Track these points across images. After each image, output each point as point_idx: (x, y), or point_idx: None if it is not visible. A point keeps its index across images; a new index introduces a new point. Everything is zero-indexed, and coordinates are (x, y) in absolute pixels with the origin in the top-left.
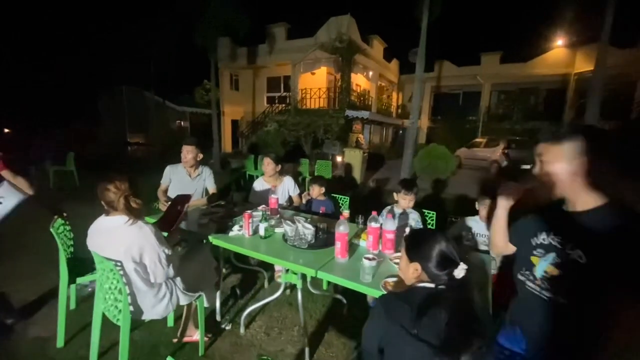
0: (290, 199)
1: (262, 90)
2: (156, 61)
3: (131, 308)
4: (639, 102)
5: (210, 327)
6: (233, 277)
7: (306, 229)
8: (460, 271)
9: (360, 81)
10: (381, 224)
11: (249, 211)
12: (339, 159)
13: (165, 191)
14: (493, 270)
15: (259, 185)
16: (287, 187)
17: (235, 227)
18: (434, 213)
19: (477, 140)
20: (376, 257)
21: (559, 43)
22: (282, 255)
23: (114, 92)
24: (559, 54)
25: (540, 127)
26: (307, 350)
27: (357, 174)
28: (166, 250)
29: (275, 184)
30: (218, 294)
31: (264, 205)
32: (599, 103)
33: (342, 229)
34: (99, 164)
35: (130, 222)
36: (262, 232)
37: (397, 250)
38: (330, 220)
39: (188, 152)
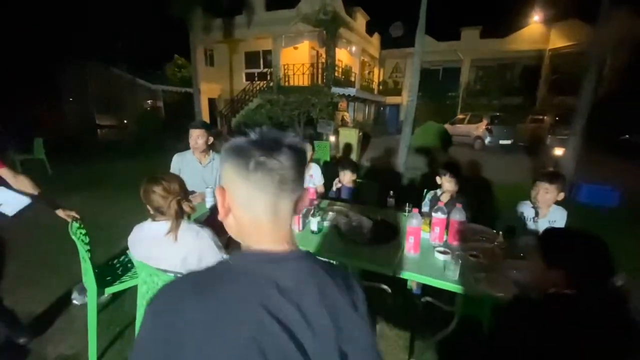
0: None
1: (240, 66)
2: (124, 35)
3: None
4: (610, 79)
5: None
6: None
7: (364, 221)
8: (617, 280)
9: (343, 56)
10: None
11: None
12: (332, 139)
13: None
14: None
15: None
16: (314, 175)
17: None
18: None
19: (460, 116)
20: (447, 250)
21: (535, 19)
22: (342, 252)
23: (78, 70)
24: (535, 30)
25: (516, 103)
26: None
27: (353, 154)
28: (224, 255)
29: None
30: None
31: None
32: (594, 80)
33: (416, 223)
34: (69, 150)
35: (184, 228)
36: (314, 227)
37: (462, 241)
38: (375, 209)
39: (199, 137)
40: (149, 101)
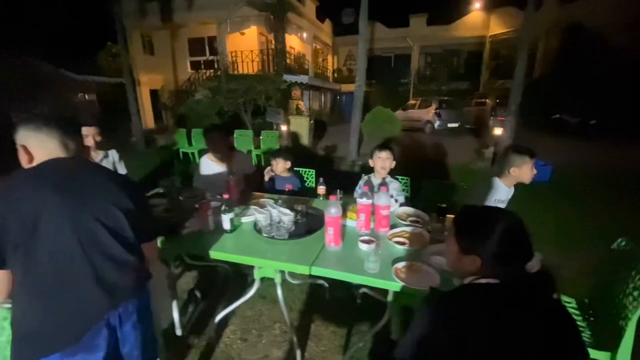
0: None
1: (183, 54)
2: (41, 18)
3: None
4: (542, 62)
5: (170, 345)
6: (188, 278)
7: (284, 215)
8: (534, 263)
9: (294, 43)
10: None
11: (204, 201)
12: (283, 128)
13: None
14: None
15: (208, 167)
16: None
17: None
18: (408, 178)
19: (411, 102)
20: (373, 239)
21: (476, 6)
22: (260, 252)
23: None
24: (477, 17)
25: (463, 88)
26: (297, 351)
27: (304, 142)
28: None
29: (227, 162)
30: (174, 303)
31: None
32: (525, 61)
33: (334, 212)
34: None
35: None
36: (226, 225)
37: (391, 227)
38: (303, 199)
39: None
40: (79, 94)
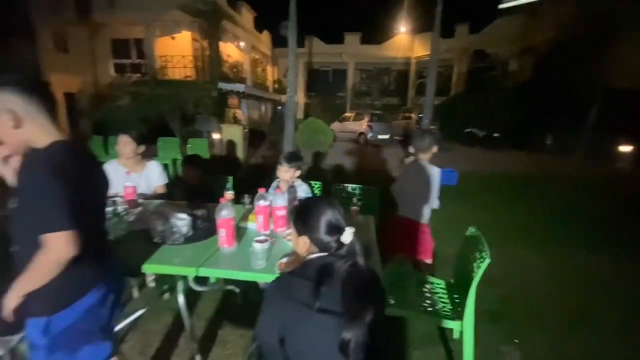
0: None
1: (106, 56)
2: None
3: None
4: (456, 83)
5: None
6: None
7: (179, 220)
8: (347, 236)
9: (231, 51)
10: (270, 202)
11: None
12: (216, 136)
13: None
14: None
15: (112, 169)
16: (152, 174)
17: None
18: (320, 183)
19: (347, 114)
20: (268, 237)
21: (402, 30)
22: (152, 258)
23: None
24: (403, 39)
25: (393, 103)
26: (198, 357)
27: (239, 152)
28: None
29: (136, 170)
30: None
31: (117, 195)
32: (434, 82)
33: (225, 214)
34: None
35: None
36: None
37: (289, 227)
38: (209, 205)
39: None
40: None
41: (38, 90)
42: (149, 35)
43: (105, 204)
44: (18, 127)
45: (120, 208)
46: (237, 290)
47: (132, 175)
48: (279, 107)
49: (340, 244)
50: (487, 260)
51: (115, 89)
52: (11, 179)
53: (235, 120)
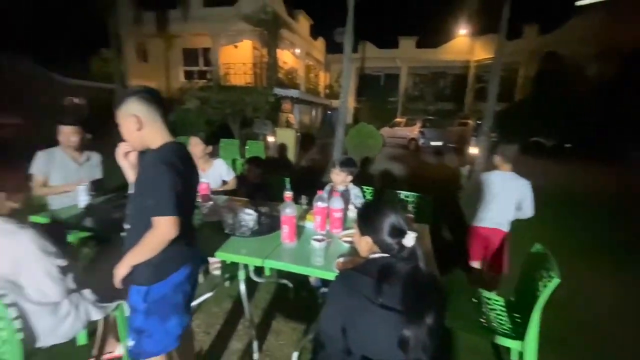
0: (223, 183)
1: (177, 63)
2: (34, 21)
3: (21, 335)
4: (521, 87)
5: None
6: None
7: (247, 215)
8: (409, 240)
9: (287, 58)
10: (328, 203)
11: None
12: (270, 139)
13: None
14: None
15: None
16: (219, 171)
17: None
18: (372, 188)
19: (398, 120)
20: (325, 237)
21: (462, 32)
22: (222, 247)
23: None
24: (462, 42)
25: (448, 108)
26: (255, 343)
27: (291, 154)
28: (56, 261)
29: (205, 168)
30: None
31: None
32: (497, 86)
33: (289, 212)
34: None
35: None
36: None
37: (345, 229)
38: (271, 203)
39: (72, 134)
40: (68, 98)
41: (155, 99)
42: (215, 44)
43: (196, 197)
44: (140, 130)
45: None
46: (291, 285)
47: (201, 173)
48: (329, 112)
49: (402, 247)
50: (556, 280)
51: (184, 93)
52: (128, 171)
53: (287, 124)
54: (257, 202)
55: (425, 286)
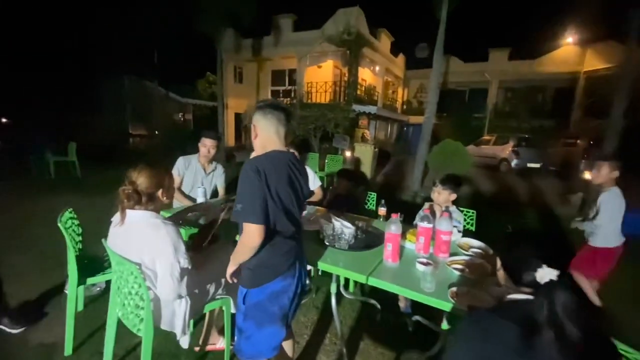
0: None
1: (266, 84)
2: (159, 51)
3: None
4: None
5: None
6: None
7: (346, 228)
8: (550, 275)
9: (366, 76)
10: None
11: None
12: (348, 153)
13: (180, 186)
14: None
15: None
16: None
17: None
18: (474, 212)
19: (486, 137)
20: (430, 261)
21: (569, 40)
22: (322, 258)
23: (116, 82)
24: (569, 51)
25: (548, 126)
26: None
27: (366, 169)
28: (182, 261)
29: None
30: None
31: None
32: (625, 103)
33: (394, 229)
34: (100, 155)
35: (144, 219)
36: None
37: (451, 254)
38: (364, 218)
39: (212, 147)
40: (180, 114)
41: (275, 112)
42: (300, 65)
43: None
44: (256, 138)
45: None
46: (379, 306)
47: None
48: (405, 128)
49: (551, 287)
50: None
51: None
52: None
53: (363, 140)
54: (352, 216)
55: (592, 348)
